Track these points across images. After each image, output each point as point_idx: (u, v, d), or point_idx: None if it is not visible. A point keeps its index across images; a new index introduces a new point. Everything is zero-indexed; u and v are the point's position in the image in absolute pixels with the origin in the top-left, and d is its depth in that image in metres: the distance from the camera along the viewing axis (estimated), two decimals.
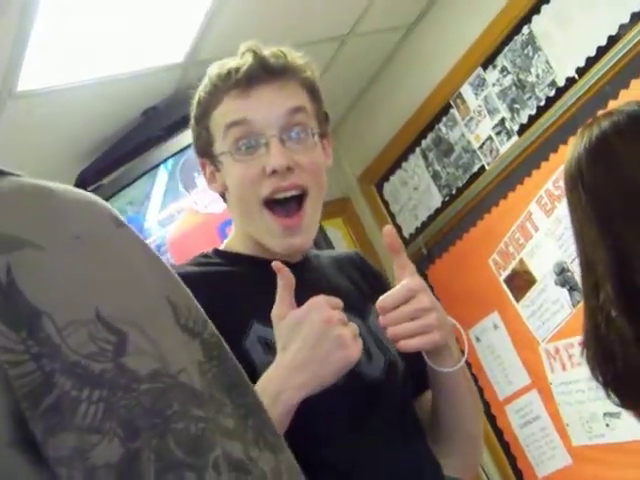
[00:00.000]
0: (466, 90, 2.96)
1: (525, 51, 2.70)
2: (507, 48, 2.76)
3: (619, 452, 2.57)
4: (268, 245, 1.31)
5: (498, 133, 2.88)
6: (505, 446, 3.06)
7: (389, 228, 1.27)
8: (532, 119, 2.73)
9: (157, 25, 2.49)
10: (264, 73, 1.28)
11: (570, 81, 2.58)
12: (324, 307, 1.15)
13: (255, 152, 1.28)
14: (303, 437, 1.12)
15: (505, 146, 2.85)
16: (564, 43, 2.57)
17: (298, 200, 1.29)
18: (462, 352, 1.30)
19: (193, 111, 1.36)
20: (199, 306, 0.63)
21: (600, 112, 2.13)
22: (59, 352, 0.53)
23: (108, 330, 0.55)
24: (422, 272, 3.19)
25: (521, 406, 2.95)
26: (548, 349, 2.78)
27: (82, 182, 2.84)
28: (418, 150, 3.25)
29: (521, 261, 2.84)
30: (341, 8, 2.76)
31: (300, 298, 1.18)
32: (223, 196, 1.39)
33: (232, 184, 1.32)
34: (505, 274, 2.91)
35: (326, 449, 1.22)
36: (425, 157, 3.23)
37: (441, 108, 3.09)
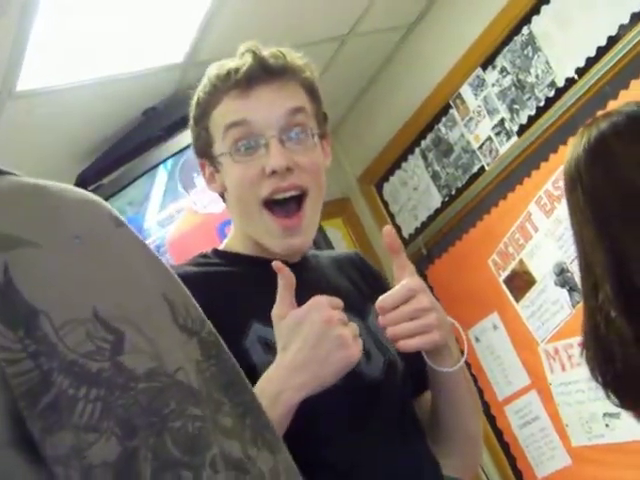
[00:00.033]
0: (466, 90, 2.96)
1: (525, 51, 2.70)
2: (507, 48, 2.76)
3: (619, 452, 2.57)
4: (267, 245, 1.31)
5: (498, 133, 2.88)
6: (505, 446, 3.06)
7: (389, 228, 1.27)
8: (532, 119, 2.73)
9: (157, 25, 2.49)
10: (263, 73, 1.28)
11: (570, 81, 2.58)
12: (324, 307, 1.15)
13: (254, 153, 1.28)
14: (303, 437, 1.12)
15: (505, 146, 2.86)
16: (564, 43, 2.57)
17: (298, 200, 1.29)
18: (462, 352, 1.30)
19: (192, 112, 1.36)
20: (197, 305, 0.63)
21: (600, 113, 2.13)
22: (56, 351, 0.53)
23: (105, 329, 0.55)
24: (422, 272, 3.19)
25: (521, 406, 2.95)
26: (548, 349, 2.78)
27: (82, 182, 2.84)
28: (418, 150, 3.25)
29: (521, 261, 2.84)
30: (341, 8, 2.76)
31: (300, 298, 1.18)
32: (222, 196, 1.39)
33: (231, 185, 1.32)
34: (505, 274, 2.91)
35: (326, 449, 1.22)
36: (425, 157, 3.23)
37: (441, 108, 3.09)
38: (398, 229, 3.38)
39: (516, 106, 2.78)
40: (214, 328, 0.64)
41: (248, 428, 0.59)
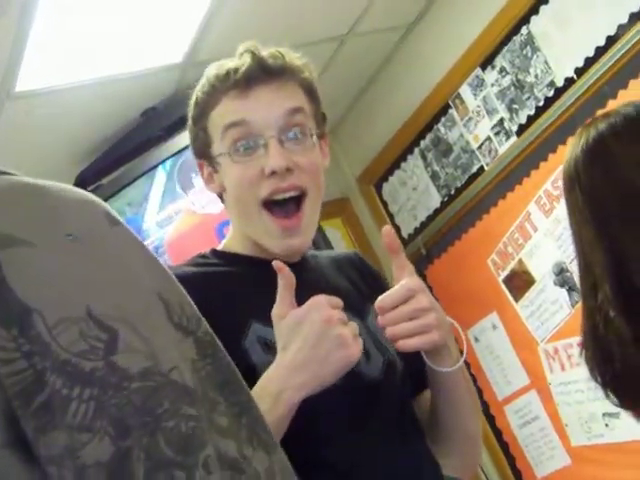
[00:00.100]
0: (465, 90, 2.96)
1: (524, 51, 2.70)
2: (506, 48, 2.76)
3: (618, 452, 2.57)
4: (267, 246, 1.31)
5: (497, 133, 2.88)
6: (504, 446, 3.06)
7: (388, 228, 1.27)
8: (531, 119, 2.73)
9: (156, 25, 2.49)
10: (262, 74, 1.28)
11: (569, 81, 2.58)
12: (324, 306, 1.15)
13: (253, 153, 1.28)
14: (303, 437, 1.12)
15: (504, 146, 2.86)
16: (563, 43, 2.57)
17: (297, 201, 1.29)
18: (461, 352, 1.30)
19: (191, 112, 1.36)
20: (193, 304, 0.63)
21: (599, 112, 2.13)
22: (50, 350, 0.53)
23: (99, 328, 0.55)
24: (421, 272, 3.19)
25: (520, 406, 2.95)
26: (547, 349, 2.78)
27: (81, 182, 2.84)
28: (417, 150, 3.25)
29: (520, 261, 2.84)
30: (340, 8, 2.76)
31: (299, 298, 1.18)
32: (221, 197, 1.39)
33: (230, 185, 1.32)
34: (504, 274, 2.91)
35: (326, 449, 1.22)
36: (424, 157, 3.23)
37: (440, 108, 3.09)
38: (397, 229, 3.38)
39: (515, 106, 2.78)
40: (213, 328, 0.64)
41: (244, 428, 0.58)
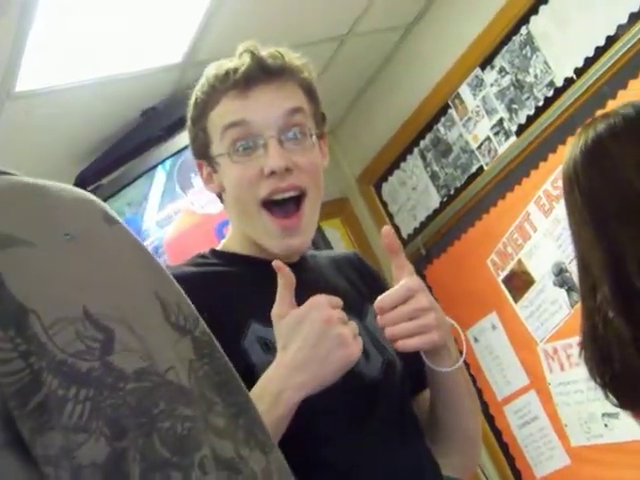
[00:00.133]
0: (464, 90, 2.96)
1: (523, 51, 2.70)
2: (505, 48, 2.76)
3: (618, 452, 2.57)
4: (266, 246, 1.31)
5: (496, 133, 2.88)
6: (504, 446, 3.06)
7: (387, 229, 1.27)
8: (530, 119, 2.73)
9: (156, 25, 2.49)
10: (262, 74, 1.28)
11: (568, 81, 2.58)
12: (324, 306, 1.15)
13: (253, 153, 1.28)
14: (303, 437, 1.13)
15: (503, 146, 2.86)
16: (562, 43, 2.57)
17: (296, 201, 1.29)
18: (460, 352, 1.30)
19: (190, 112, 1.36)
20: (190, 304, 0.63)
21: (598, 112, 2.13)
22: (46, 350, 0.53)
23: (95, 328, 0.55)
24: (420, 272, 3.19)
25: (520, 406, 2.95)
26: (546, 349, 2.78)
27: (81, 182, 2.84)
28: (416, 150, 3.25)
29: (519, 261, 2.84)
30: (340, 8, 2.76)
31: (298, 298, 1.18)
32: (220, 197, 1.39)
33: (230, 185, 1.32)
34: (503, 274, 2.91)
35: (326, 449, 1.22)
36: (423, 157, 3.23)
37: (439, 108, 3.09)
38: (397, 229, 3.38)
39: (515, 106, 2.78)
40: (212, 328, 0.64)
41: (241, 428, 0.58)
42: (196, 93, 1.34)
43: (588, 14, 2.47)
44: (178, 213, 2.78)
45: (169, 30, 2.54)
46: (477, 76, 2.90)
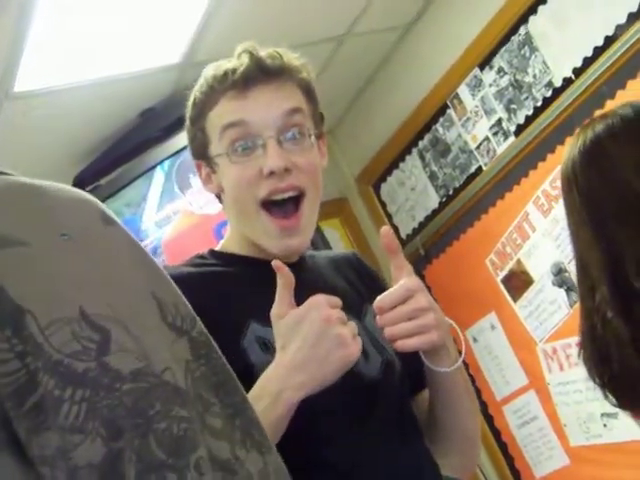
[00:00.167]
0: (463, 90, 2.96)
1: (522, 51, 2.70)
2: (504, 48, 2.76)
3: (617, 452, 2.57)
4: (265, 246, 1.31)
5: (495, 133, 2.88)
6: (503, 446, 3.06)
7: (386, 229, 1.27)
8: (529, 119, 2.73)
9: (154, 26, 2.49)
10: (261, 74, 1.28)
11: (567, 81, 2.58)
12: (324, 306, 1.15)
13: (252, 153, 1.28)
14: (304, 437, 1.13)
15: (502, 146, 2.86)
16: (561, 43, 2.57)
17: (295, 201, 1.29)
18: (459, 352, 1.30)
19: (188, 112, 1.36)
20: (188, 304, 0.63)
21: (597, 112, 2.13)
22: (42, 351, 0.53)
23: (92, 328, 0.54)
24: (419, 273, 3.19)
25: (519, 406, 2.95)
26: (546, 349, 2.78)
27: (80, 183, 2.83)
28: (415, 151, 3.25)
29: (518, 261, 2.84)
30: (338, 8, 2.76)
31: (297, 298, 1.17)
32: (219, 197, 1.39)
33: (228, 185, 1.32)
34: (502, 274, 2.91)
35: (327, 449, 1.22)
36: (422, 158, 3.23)
37: (438, 109, 3.09)
38: (396, 229, 3.38)
39: (513, 106, 2.78)
40: (210, 328, 0.63)
41: (238, 429, 0.58)
42: (195, 93, 1.34)
43: (587, 14, 2.47)
44: (177, 213, 2.78)
45: (168, 30, 2.54)
46: (476, 76, 2.90)
